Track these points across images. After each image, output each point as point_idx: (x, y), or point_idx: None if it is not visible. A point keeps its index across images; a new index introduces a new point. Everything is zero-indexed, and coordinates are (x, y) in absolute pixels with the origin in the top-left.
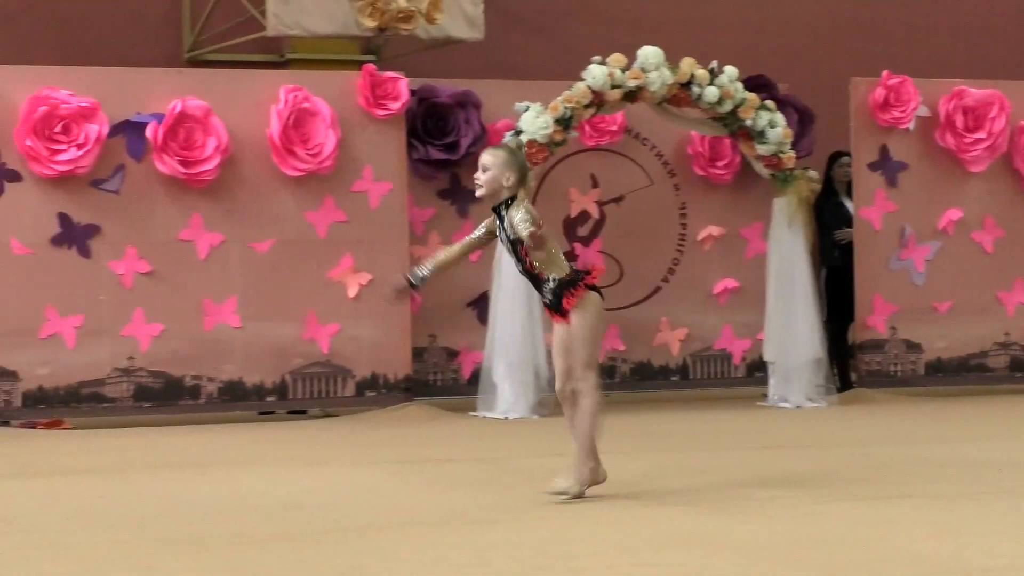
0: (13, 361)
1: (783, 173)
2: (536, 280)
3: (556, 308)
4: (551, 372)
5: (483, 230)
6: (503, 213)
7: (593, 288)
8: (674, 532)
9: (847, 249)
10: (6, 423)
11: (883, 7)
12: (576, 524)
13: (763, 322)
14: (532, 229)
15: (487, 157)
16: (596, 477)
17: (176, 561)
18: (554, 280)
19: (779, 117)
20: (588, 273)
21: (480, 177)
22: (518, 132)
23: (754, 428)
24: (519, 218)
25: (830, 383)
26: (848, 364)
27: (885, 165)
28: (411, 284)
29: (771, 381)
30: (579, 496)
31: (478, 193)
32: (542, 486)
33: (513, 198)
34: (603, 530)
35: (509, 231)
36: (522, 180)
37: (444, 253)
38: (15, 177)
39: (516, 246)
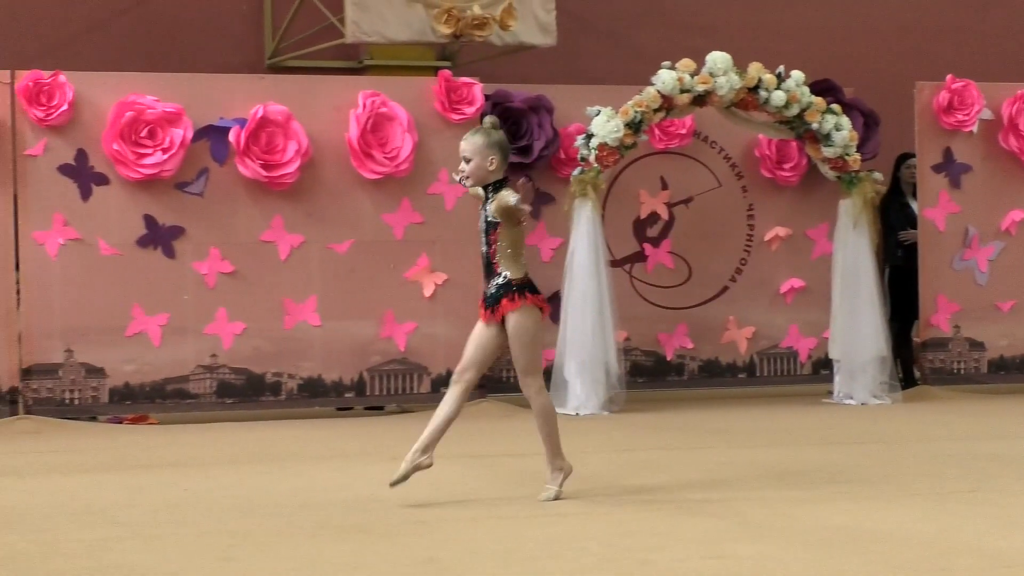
0: (101, 358)
1: (848, 175)
2: (490, 269)
3: (492, 303)
4: (621, 369)
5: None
6: (489, 195)
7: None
8: (742, 525)
9: (911, 249)
10: (94, 418)
11: (947, 12)
12: (646, 518)
13: (828, 321)
14: (519, 203)
15: (465, 145)
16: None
17: (257, 552)
18: (504, 277)
19: (845, 120)
20: (538, 292)
21: (465, 169)
22: (589, 136)
23: (820, 424)
24: (505, 192)
25: (894, 380)
26: (912, 362)
27: (949, 167)
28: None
29: (836, 378)
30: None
31: (467, 184)
32: (612, 481)
33: (501, 181)
34: (672, 524)
35: (490, 213)
36: (505, 158)
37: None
38: (103, 180)
39: (490, 229)
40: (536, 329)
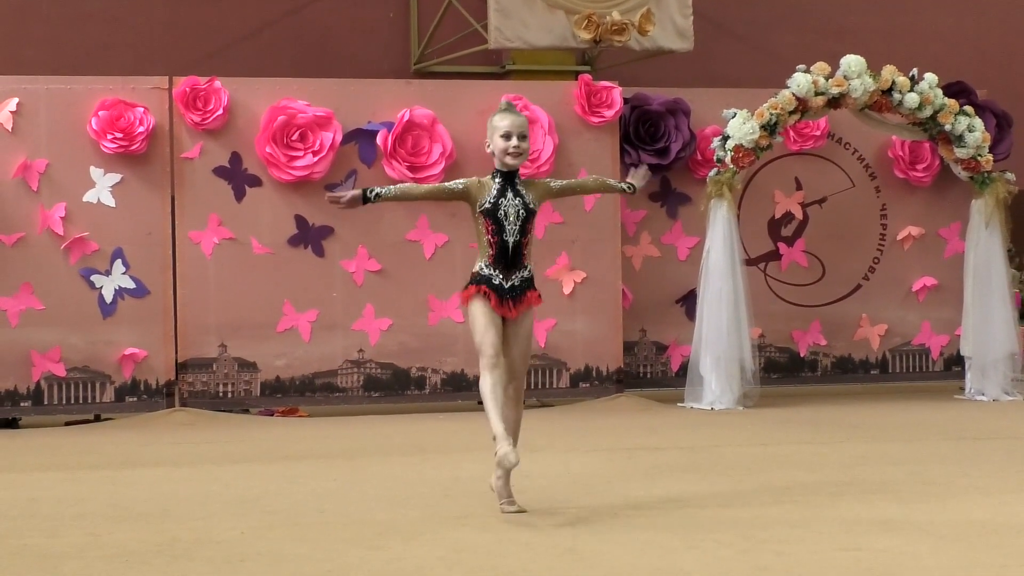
0: (253, 353)
1: (981, 176)
2: (519, 259)
3: (518, 293)
4: (756, 365)
5: (461, 186)
6: (518, 180)
7: None
8: (875, 518)
9: None
10: (246, 411)
11: None
12: (781, 511)
13: (960, 318)
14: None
15: (518, 122)
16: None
17: (403, 541)
18: (529, 270)
19: (977, 122)
20: None
21: (523, 145)
22: (725, 138)
23: (952, 420)
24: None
25: None
26: None
27: None
28: (365, 198)
29: (968, 375)
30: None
31: (517, 161)
32: (747, 474)
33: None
34: (806, 516)
35: (531, 202)
36: None
37: (412, 187)
38: (256, 182)
39: (530, 218)
40: None
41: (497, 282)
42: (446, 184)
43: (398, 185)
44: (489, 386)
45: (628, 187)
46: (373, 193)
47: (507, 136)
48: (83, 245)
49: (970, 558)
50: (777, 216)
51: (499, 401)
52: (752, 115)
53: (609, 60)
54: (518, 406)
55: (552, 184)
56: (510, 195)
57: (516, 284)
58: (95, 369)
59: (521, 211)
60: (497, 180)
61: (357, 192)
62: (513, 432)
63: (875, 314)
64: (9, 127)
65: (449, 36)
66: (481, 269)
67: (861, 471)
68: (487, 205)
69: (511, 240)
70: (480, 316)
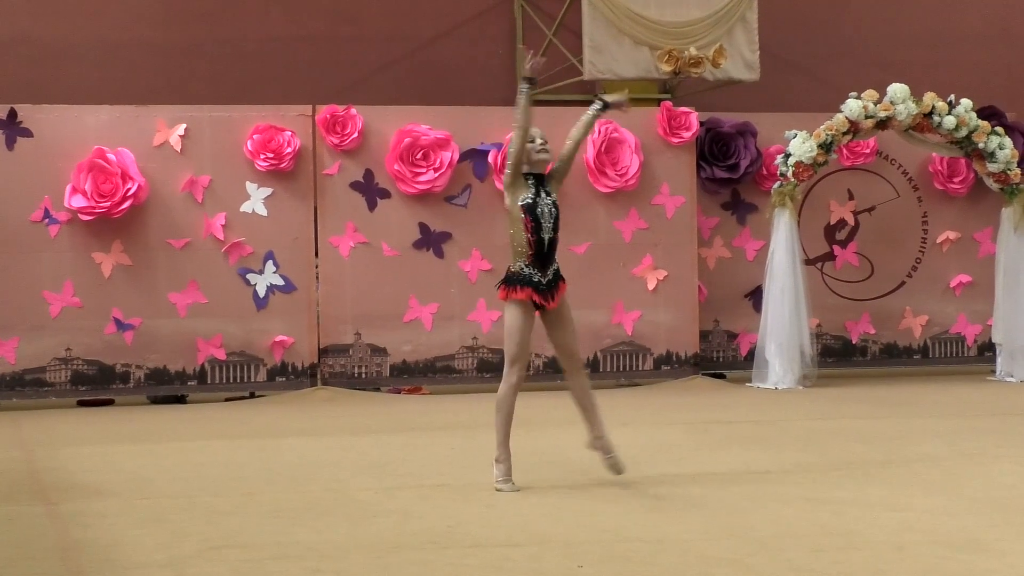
0: (383, 340)
1: (1010, 187)
2: (552, 255)
3: (554, 285)
4: (814, 351)
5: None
6: (545, 180)
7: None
8: (919, 482)
9: None
10: (377, 389)
11: None
12: (837, 475)
13: (992, 310)
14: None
15: (543, 133)
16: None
17: (512, 500)
18: (556, 263)
19: (1007, 140)
20: None
21: (547, 146)
22: (787, 155)
23: (985, 398)
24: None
25: None
26: None
27: None
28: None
29: (999, 359)
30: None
31: (547, 156)
32: (807, 446)
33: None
34: (860, 480)
35: (556, 199)
36: None
37: (524, 132)
38: (385, 194)
39: (559, 216)
40: None
41: (537, 279)
42: (527, 146)
43: (526, 122)
44: (510, 396)
45: (598, 107)
46: (528, 88)
47: (531, 140)
48: (240, 248)
49: (1001, 517)
50: (832, 222)
51: (512, 412)
52: (811, 135)
53: (687, 89)
54: (589, 390)
55: (559, 165)
56: (543, 195)
57: (551, 278)
58: (250, 353)
59: (552, 209)
60: (530, 181)
61: (534, 75)
62: (596, 416)
63: (917, 307)
64: (178, 148)
65: (549, 69)
66: (522, 269)
67: (906, 442)
68: (528, 200)
69: (547, 237)
70: (520, 324)
